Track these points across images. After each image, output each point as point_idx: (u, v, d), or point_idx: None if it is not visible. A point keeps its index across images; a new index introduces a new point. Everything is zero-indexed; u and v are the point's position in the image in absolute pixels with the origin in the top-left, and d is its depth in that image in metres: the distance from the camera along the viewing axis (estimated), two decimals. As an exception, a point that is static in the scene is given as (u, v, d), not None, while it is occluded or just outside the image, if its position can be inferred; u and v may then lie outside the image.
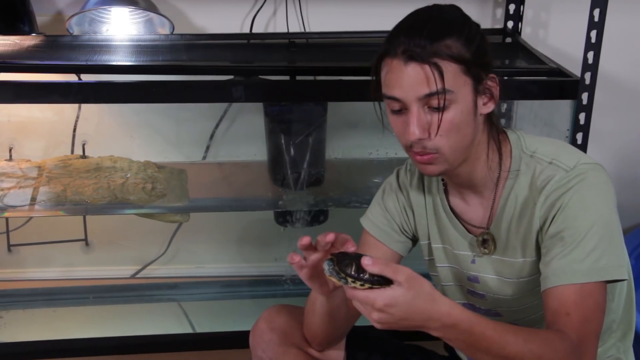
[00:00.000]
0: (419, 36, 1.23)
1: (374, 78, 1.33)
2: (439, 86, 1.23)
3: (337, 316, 1.41)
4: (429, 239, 1.49)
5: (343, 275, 1.09)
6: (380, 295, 1.07)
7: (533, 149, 1.35)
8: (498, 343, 1.13)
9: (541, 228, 1.30)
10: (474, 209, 1.41)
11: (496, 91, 1.31)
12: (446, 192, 1.45)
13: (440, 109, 1.24)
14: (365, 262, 1.07)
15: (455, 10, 1.31)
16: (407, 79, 1.24)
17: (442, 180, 1.45)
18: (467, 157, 1.32)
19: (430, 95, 1.23)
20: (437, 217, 1.46)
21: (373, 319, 1.10)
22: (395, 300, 1.07)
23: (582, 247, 1.23)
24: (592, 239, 1.24)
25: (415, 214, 1.50)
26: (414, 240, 1.53)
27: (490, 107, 1.32)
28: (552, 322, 1.22)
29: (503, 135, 1.38)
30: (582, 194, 1.26)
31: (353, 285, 1.08)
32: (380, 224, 1.51)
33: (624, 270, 1.25)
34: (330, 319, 1.40)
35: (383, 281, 1.08)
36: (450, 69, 1.23)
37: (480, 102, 1.29)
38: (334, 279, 1.11)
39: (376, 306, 1.08)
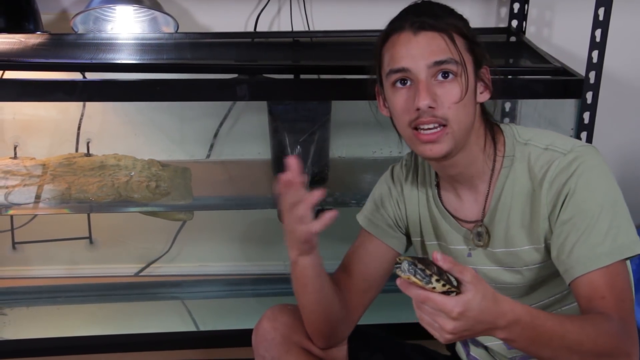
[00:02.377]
0: (426, 13, 1.28)
1: (374, 69, 1.35)
2: (452, 54, 1.26)
3: (329, 295, 1.41)
4: (421, 236, 1.50)
5: (429, 273, 1.05)
6: (458, 302, 1.05)
7: (527, 138, 1.37)
8: (559, 333, 1.14)
9: (550, 214, 1.31)
10: (468, 205, 1.42)
11: (489, 82, 1.34)
12: (438, 188, 1.46)
13: (450, 80, 1.27)
14: (436, 255, 1.05)
15: (447, 5, 1.36)
16: (417, 47, 1.27)
17: (436, 175, 1.45)
18: (466, 143, 1.33)
19: (441, 63, 1.26)
20: (431, 214, 1.47)
21: (447, 329, 1.06)
22: (470, 305, 1.05)
23: (598, 230, 1.25)
24: (605, 219, 1.25)
25: (408, 209, 1.50)
26: (409, 236, 1.53)
27: (485, 97, 1.35)
28: (588, 308, 1.23)
29: (496, 128, 1.40)
30: (587, 177, 1.28)
31: (434, 285, 1.05)
32: (375, 219, 1.51)
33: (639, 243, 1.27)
34: (323, 299, 1.41)
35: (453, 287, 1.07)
36: (458, 42, 1.28)
37: (478, 89, 1.32)
38: (415, 279, 1.06)
39: (453, 314, 1.05)
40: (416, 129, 1.29)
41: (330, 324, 1.46)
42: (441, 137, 1.28)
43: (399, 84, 1.30)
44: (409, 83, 1.29)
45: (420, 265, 1.06)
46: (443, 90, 1.27)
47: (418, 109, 1.26)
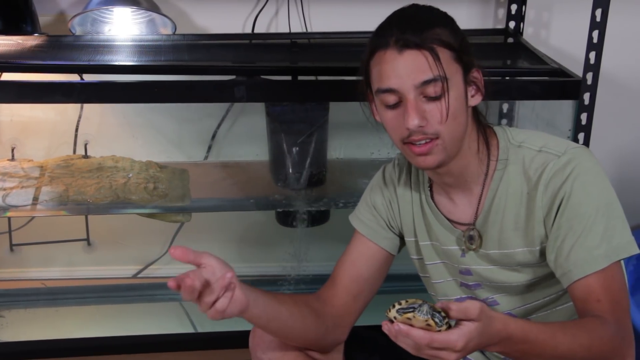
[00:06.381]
0: (410, 27, 1.26)
1: (363, 79, 1.34)
2: (438, 71, 1.25)
3: (296, 324, 1.38)
4: (415, 236, 1.49)
5: (444, 315, 1.06)
6: (461, 336, 1.05)
7: (520, 140, 1.37)
8: (550, 345, 1.15)
9: (546, 217, 1.31)
10: (462, 208, 1.42)
11: (481, 84, 1.33)
12: (431, 190, 1.46)
13: (438, 97, 1.26)
14: (443, 306, 1.06)
15: (434, 8, 1.34)
16: (403, 67, 1.26)
17: (429, 178, 1.46)
18: (460, 150, 1.33)
19: (427, 82, 1.25)
20: (424, 214, 1.47)
21: (450, 359, 1.07)
22: (471, 335, 1.06)
23: (595, 233, 1.26)
24: (601, 222, 1.26)
25: (401, 208, 1.50)
26: (402, 237, 1.53)
27: (477, 100, 1.34)
28: (584, 310, 1.25)
29: (489, 130, 1.40)
30: (582, 180, 1.28)
31: (443, 328, 1.05)
32: (367, 220, 1.51)
33: (635, 243, 1.28)
34: (290, 330, 1.39)
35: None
36: (443, 56, 1.26)
37: (469, 93, 1.32)
38: (432, 321, 1.05)
39: (457, 347, 1.05)
40: (408, 142, 1.29)
41: (314, 341, 1.45)
42: (433, 148, 1.28)
43: (388, 107, 1.29)
44: (397, 104, 1.28)
45: (438, 309, 1.06)
46: (432, 106, 1.26)
47: (408, 129, 1.27)
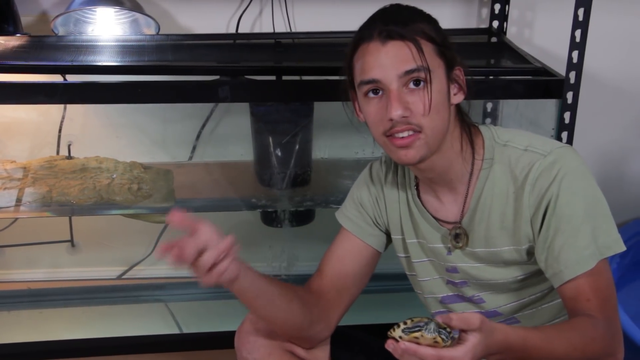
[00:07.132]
0: (394, 20, 1.28)
1: (346, 76, 1.35)
2: (421, 62, 1.26)
3: (282, 306, 1.39)
4: (402, 233, 1.50)
5: (450, 330, 1.06)
6: (466, 351, 1.05)
7: (506, 139, 1.38)
8: (548, 350, 1.16)
9: (532, 217, 1.32)
10: (448, 206, 1.42)
11: (463, 83, 1.34)
12: (418, 188, 1.46)
13: (421, 88, 1.27)
14: (444, 319, 1.06)
15: (417, 7, 1.36)
16: (385, 57, 1.27)
17: (415, 176, 1.46)
18: (442, 147, 1.33)
19: (411, 72, 1.26)
20: (411, 212, 1.47)
21: None
22: (476, 349, 1.06)
23: (583, 233, 1.27)
24: (589, 222, 1.28)
25: (388, 206, 1.50)
26: (389, 234, 1.53)
27: (460, 98, 1.35)
28: (574, 309, 1.26)
29: (474, 129, 1.41)
30: (568, 181, 1.29)
31: (449, 343, 1.06)
32: (354, 217, 1.52)
33: (621, 241, 1.30)
34: (275, 311, 1.39)
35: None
36: (426, 48, 1.28)
37: (451, 91, 1.33)
38: (439, 338, 1.06)
39: None
40: (390, 135, 1.30)
41: (297, 329, 1.45)
42: (414, 142, 1.29)
43: (371, 94, 1.30)
44: (380, 92, 1.29)
45: (443, 325, 1.07)
46: (415, 98, 1.27)
47: (391, 120, 1.27)
